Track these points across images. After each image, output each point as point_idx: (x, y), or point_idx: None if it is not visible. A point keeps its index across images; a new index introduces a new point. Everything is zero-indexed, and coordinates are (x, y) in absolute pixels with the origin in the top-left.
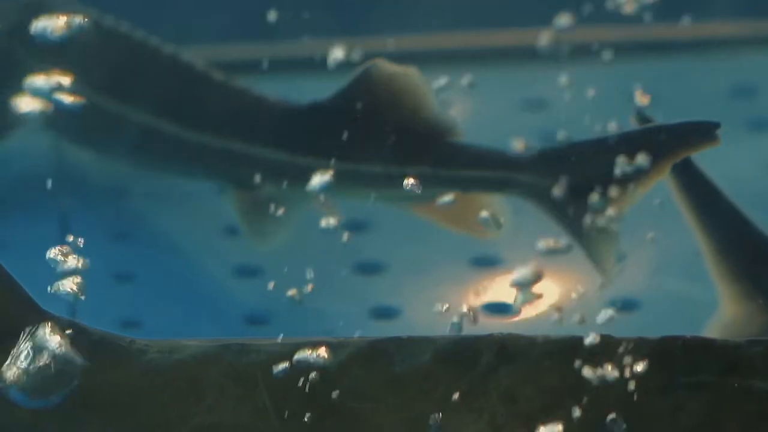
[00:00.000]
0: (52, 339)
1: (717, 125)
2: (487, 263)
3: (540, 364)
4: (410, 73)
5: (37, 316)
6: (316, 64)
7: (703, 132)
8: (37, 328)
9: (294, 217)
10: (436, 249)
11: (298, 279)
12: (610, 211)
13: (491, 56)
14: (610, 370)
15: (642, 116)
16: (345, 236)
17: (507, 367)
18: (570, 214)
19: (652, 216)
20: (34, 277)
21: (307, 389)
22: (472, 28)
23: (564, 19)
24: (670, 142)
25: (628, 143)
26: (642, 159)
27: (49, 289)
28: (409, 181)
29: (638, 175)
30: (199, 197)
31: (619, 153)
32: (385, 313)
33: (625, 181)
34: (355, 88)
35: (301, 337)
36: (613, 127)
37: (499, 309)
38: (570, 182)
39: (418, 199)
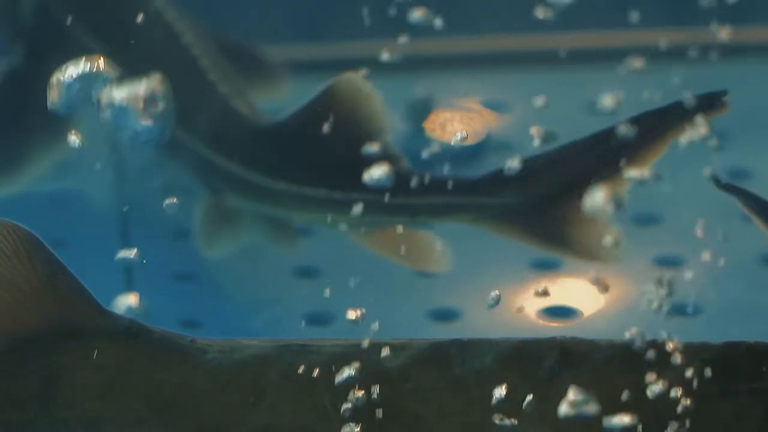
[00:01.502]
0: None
1: (723, 92)
2: (548, 266)
3: (602, 368)
4: (370, 92)
5: (99, 316)
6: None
7: (709, 104)
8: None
9: (248, 231)
10: (496, 250)
11: (358, 280)
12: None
13: (559, 58)
14: (672, 375)
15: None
16: None
17: (569, 372)
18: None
19: (714, 220)
20: (94, 275)
21: (367, 391)
22: (540, 31)
23: (635, 22)
24: (668, 122)
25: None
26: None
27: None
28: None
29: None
30: None
31: (607, 151)
32: (444, 315)
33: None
34: (318, 106)
35: (362, 339)
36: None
37: (560, 312)
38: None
39: (368, 227)
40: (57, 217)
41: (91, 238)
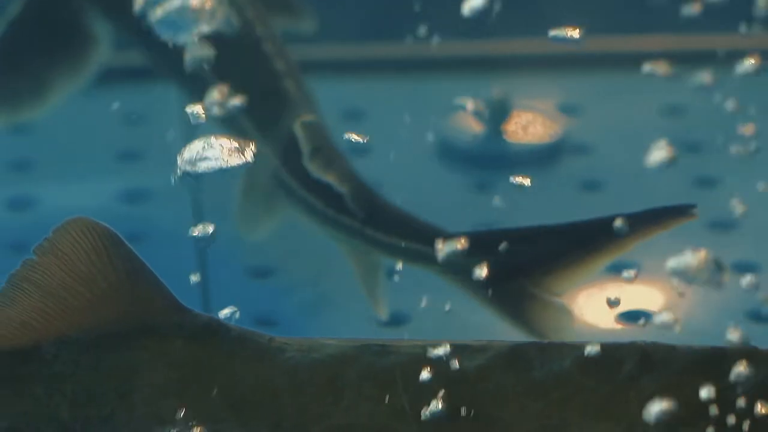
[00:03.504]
0: None
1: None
2: (623, 269)
3: (682, 374)
4: None
5: (177, 313)
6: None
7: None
8: None
9: (278, 217)
10: None
11: (432, 281)
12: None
13: (630, 60)
14: (752, 383)
15: None
16: None
17: (649, 376)
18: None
19: None
20: (170, 271)
21: (445, 392)
22: (607, 33)
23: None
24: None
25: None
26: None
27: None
28: None
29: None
30: None
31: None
32: None
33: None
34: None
35: (441, 340)
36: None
37: (636, 317)
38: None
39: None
40: (135, 210)
41: (168, 232)
